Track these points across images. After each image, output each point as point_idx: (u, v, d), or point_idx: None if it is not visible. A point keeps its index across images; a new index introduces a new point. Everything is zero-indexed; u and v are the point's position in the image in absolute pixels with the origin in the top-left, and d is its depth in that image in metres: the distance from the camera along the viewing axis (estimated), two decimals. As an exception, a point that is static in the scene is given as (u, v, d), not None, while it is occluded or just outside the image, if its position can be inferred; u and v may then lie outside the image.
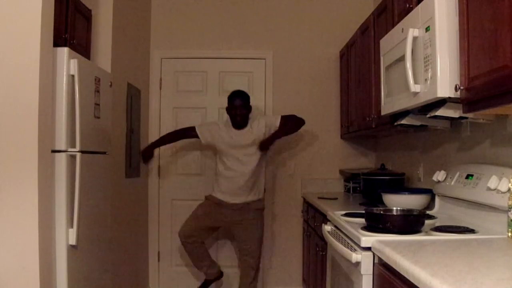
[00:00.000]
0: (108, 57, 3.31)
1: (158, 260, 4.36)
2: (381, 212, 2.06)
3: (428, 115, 2.17)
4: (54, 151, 2.39)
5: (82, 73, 2.56)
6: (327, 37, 4.36)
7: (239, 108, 3.63)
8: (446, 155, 2.66)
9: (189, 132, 3.86)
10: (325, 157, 4.35)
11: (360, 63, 3.51)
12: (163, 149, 4.33)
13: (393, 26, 2.51)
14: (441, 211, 2.44)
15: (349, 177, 4.02)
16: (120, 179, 3.54)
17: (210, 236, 4.01)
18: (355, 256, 1.77)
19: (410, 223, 1.91)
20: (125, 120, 3.68)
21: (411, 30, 2.04)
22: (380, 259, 1.65)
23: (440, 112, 2.06)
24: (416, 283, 1.25)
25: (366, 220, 1.99)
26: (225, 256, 4.24)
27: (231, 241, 4.22)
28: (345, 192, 4.16)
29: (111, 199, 3.10)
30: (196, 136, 3.81)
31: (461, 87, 1.76)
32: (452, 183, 2.27)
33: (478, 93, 1.64)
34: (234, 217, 3.66)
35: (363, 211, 2.10)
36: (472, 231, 1.87)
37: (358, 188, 3.78)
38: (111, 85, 3.07)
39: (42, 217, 2.21)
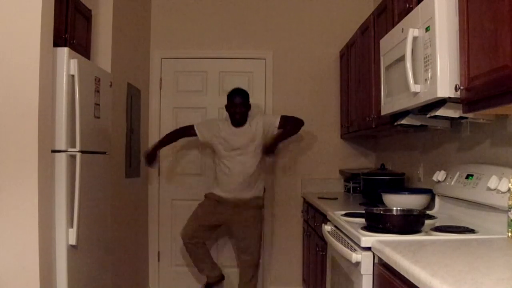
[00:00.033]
0: (108, 57, 3.31)
1: (158, 260, 4.36)
2: (381, 212, 2.05)
3: (428, 115, 2.17)
4: (54, 151, 2.40)
5: (82, 73, 2.56)
6: (327, 37, 4.36)
7: (238, 106, 3.64)
8: (446, 155, 2.66)
9: (188, 131, 3.86)
10: (325, 157, 4.35)
11: (360, 63, 3.51)
12: (163, 149, 4.32)
13: (393, 26, 2.51)
14: (441, 211, 2.44)
15: (349, 177, 4.02)
16: (120, 179, 3.54)
17: (211, 236, 4.01)
18: (355, 256, 1.77)
19: (410, 223, 1.91)
20: (125, 120, 3.68)
21: (411, 30, 2.04)
22: (380, 259, 1.65)
23: (440, 112, 2.06)
24: (416, 283, 1.25)
25: (366, 220, 1.99)
26: (226, 257, 4.24)
27: (230, 240, 4.22)
28: (345, 192, 4.16)
29: (111, 199, 3.10)
30: (195, 134, 3.82)
31: (461, 87, 1.76)
32: (452, 183, 2.27)
33: (478, 93, 1.64)
34: (234, 214, 3.67)
35: (363, 211, 2.10)
36: (472, 231, 1.87)
37: (358, 188, 3.78)
38: (111, 85, 3.07)
39: (42, 217, 2.21)
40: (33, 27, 2.18)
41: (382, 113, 2.60)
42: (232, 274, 4.14)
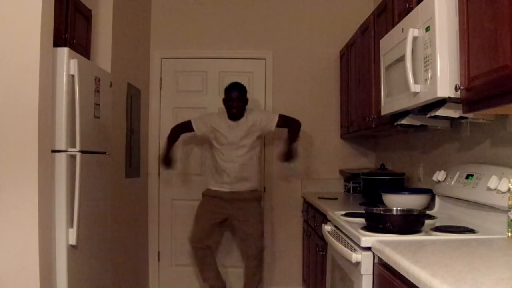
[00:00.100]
0: (108, 57, 3.31)
1: (158, 260, 4.36)
2: (381, 212, 2.05)
3: (428, 115, 2.17)
4: (54, 151, 2.39)
5: (82, 73, 2.56)
6: (327, 37, 4.36)
7: (235, 100, 3.66)
8: (446, 155, 2.66)
9: (186, 126, 3.86)
10: (325, 157, 4.35)
11: (360, 63, 3.51)
12: (163, 149, 4.33)
13: (393, 26, 2.51)
14: (441, 211, 2.44)
15: (349, 177, 4.02)
16: (120, 179, 3.54)
17: (218, 236, 4.05)
18: (355, 256, 1.77)
19: (410, 223, 1.91)
20: (125, 120, 3.68)
21: (411, 30, 2.04)
22: (380, 259, 1.65)
23: (440, 112, 2.06)
24: (416, 283, 1.25)
25: (366, 220, 1.99)
26: (226, 257, 4.24)
27: (233, 240, 4.22)
28: (345, 192, 4.16)
29: (111, 199, 3.10)
30: (193, 129, 3.82)
31: (461, 87, 1.76)
32: (452, 183, 2.27)
33: (478, 93, 1.64)
34: (233, 208, 3.69)
35: (363, 211, 2.10)
36: (472, 231, 1.87)
37: (358, 188, 3.78)
38: (111, 85, 3.07)
39: (42, 217, 2.21)
40: (33, 27, 2.17)
41: (382, 113, 2.60)
42: (232, 274, 4.14)
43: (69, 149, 2.46)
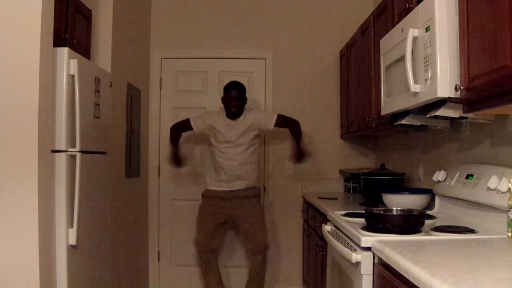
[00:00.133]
0: (108, 57, 3.31)
1: (158, 260, 4.36)
2: (381, 212, 2.05)
3: (428, 115, 2.17)
4: (54, 151, 2.39)
5: (82, 73, 2.56)
6: (327, 37, 4.36)
7: (234, 99, 3.66)
8: (446, 155, 2.66)
9: (185, 125, 3.86)
10: (325, 157, 4.35)
11: (360, 63, 3.51)
12: (163, 149, 4.33)
13: (393, 26, 2.51)
14: (441, 211, 2.44)
15: (349, 177, 4.02)
16: (120, 179, 3.54)
17: (221, 238, 4.06)
18: (355, 256, 1.77)
19: (410, 223, 1.91)
20: (125, 120, 3.68)
21: (411, 30, 2.04)
22: (380, 259, 1.65)
23: (440, 112, 2.06)
24: (416, 283, 1.25)
25: (366, 220, 1.99)
26: (227, 257, 4.24)
27: (236, 239, 4.22)
28: (345, 192, 4.16)
29: (111, 199, 3.10)
30: (192, 127, 3.82)
31: (461, 87, 1.76)
32: (452, 183, 2.27)
33: (478, 93, 1.64)
34: (233, 206, 3.70)
35: (363, 211, 2.10)
36: (472, 231, 1.87)
37: (358, 188, 3.78)
38: (111, 85, 3.07)
39: (42, 217, 2.21)
40: (33, 27, 2.17)
41: (382, 113, 2.60)
42: (232, 274, 4.14)
43: (69, 149, 2.46)
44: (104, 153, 2.97)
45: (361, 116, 3.46)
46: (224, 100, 3.73)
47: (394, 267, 1.46)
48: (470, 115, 1.93)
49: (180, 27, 4.40)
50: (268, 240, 3.90)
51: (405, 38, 2.07)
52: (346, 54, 4.02)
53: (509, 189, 1.74)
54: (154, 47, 4.40)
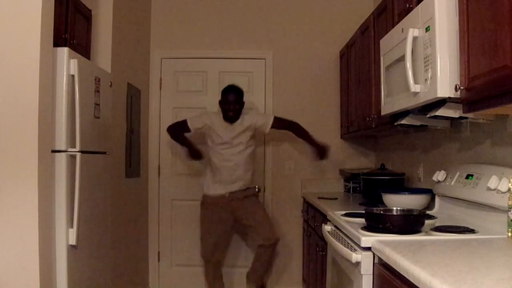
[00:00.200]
0: (108, 57, 3.31)
1: (158, 260, 4.36)
2: (381, 212, 2.05)
3: (428, 115, 2.17)
4: (54, 151, 2.39)
5: (82, 73, 2.56)
6: (327, 37, 4.36)
7: (232, 103, 3.66)
8: (446, 155, 2.66)
9: (181, 126, 3.81)
10: (325, 157, 4.35)
11: (360, 63, 3.51)
12: (163, 149, 4.34)
13: (393, 26, 2.51)
14: (441, 211, 2.44)
15: (349, 177, 4.02)
16: (120, 179, 3.54)
17: (228, 243, 4.07)
18: (355, 256, 1.77)
19: (410, 223, 1.91)
20: (125, 120, 3.68)
21: (411, 30, 2.04)
22: (380, 259, 1.65)
23: (440, 112, 2.06)
24: (416, 283, 1.25)
25: (366, 220, 1.99)
26: (228, 257, 4.23)
27: (238, 240, 4.22)
28: (345, 192, 4.16)
29: (111, 199, 3.10)
30: (189, 129, 3.77)
31: (461, 87, 1.76)
32: (452, 183, 2.27)
33: (478, 93, 1.64)
34: (234, 209, 3.69)
35: (363, 211, 2.10)
36: (472, 231, 1.87)
37: (358, 188, 3.78)
38: (111, 85, 3.07)
39: (42, 217, 2.21)
40: (33, 27, 2.17)
41: (382, 113, 2.60)
42: (233, 274, 4.14)
43: (69, 149, 2.46)
44: (104, 153, 2.97)
45: (361, 116, 3.46)
46: (222, 103, 3.72)
47: (394, 267, 1.46)
48: (470, 115, 1.94)
49: (180, 27, 4.40)
50: (276, 233, 3.84)
51: (405, 38, 2.07)
52: (346, 54, 4.02)
53: (509, 189, 1.74)
54: (154, 47, 4.40)
